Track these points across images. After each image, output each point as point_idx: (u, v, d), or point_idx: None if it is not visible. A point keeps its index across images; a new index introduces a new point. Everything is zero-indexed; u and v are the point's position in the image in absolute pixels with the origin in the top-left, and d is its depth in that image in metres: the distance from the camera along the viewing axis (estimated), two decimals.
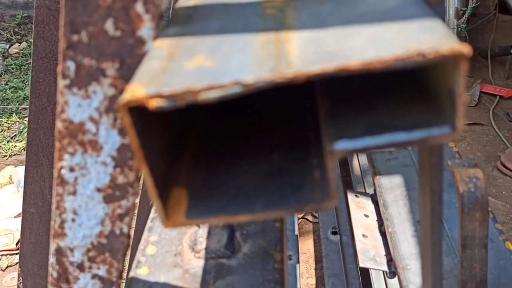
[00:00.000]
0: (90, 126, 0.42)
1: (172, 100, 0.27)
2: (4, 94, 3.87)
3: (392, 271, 0.89)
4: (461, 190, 0.65)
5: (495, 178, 3.05)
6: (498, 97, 3.55)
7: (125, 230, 0.48)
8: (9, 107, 3.76)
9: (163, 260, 0.62)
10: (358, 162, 1.94)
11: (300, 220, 2.55)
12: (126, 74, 0.39)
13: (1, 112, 3.69)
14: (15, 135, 3.47)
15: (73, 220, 0.48)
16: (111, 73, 0.39)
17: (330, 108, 0.33)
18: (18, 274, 1.51)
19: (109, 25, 0.38)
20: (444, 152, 0.66)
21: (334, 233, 2.13)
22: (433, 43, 0.26)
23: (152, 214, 0.70)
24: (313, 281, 2.41)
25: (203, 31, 0.35)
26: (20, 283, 1.50)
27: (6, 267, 2.58)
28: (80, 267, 0.51)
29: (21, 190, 2.86)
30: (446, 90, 0.28)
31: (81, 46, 0.38)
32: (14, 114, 3.64)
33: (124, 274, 0.61)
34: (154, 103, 0.27)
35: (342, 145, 0.29)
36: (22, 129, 3.48)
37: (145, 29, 0.37)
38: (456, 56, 0.25)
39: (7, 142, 3.39)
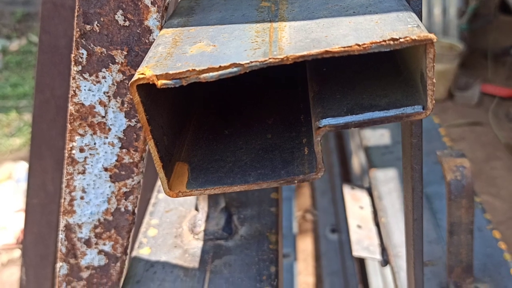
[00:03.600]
0: (99, 109, 0.45)
1: (177, 79, 0.31)
2: (3, 91, 3.89)
3: (385, 259, 0.92)
4: (448, 178, 0.69)
5: (494, 178, 3.07)
6: (498, 97, 3.58)
7: (130, 208, 0.52)
8: (8, 104, 3.79)
9: (164, 241, 0.66)
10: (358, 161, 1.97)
11: (299, 218, 2.58)
12: (133, 61, 0.43)
13: (1, 109, 3.72)
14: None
15: (81, 198, 0.51)
16: (120, 60, 0.43)
17: (318, 91, 0.37)
18: (21, 265, 1.54)
19: (119, 16, 0.41)
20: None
21: (333, 231, 2.15)
22: (405, 31, 0.30)
23: (153, 200, 0.74)
24: (311, 279, 2.43)
25: (204, 21, 0.38)
26: (22, 273, 1.54)
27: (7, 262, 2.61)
28: (87, 243, 0.54)
29: (21, 186, 2.89)
30: (419, 73, 0.32)
31: (93, 35, 0.42)
32: (13, 111, 3.67)
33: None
34: (162, 82, 0.31)
35: (327, 121, 0.33)
36: (22, 126, 3.51)
37: (152, 20, 0.41)
38: (424, 41, 0.29)
39: (7, 138, 3.43)
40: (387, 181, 1.05)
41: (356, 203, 1.09)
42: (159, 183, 0.76)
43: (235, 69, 0.30)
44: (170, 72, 0.31)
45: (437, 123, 1.19)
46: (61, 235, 0.54)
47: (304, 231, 2.56)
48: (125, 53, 0.43)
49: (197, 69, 0.30)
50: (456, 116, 3.50)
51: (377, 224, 1.01)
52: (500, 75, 3.75)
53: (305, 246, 2.48)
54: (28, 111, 3.75)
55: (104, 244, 0.54)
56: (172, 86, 0.31)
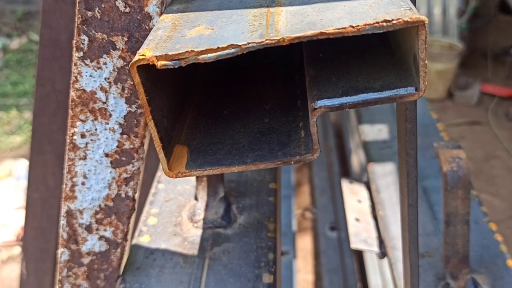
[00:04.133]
0: (100, 95, 0.46)
1: (176, 60, 0.32)
2: (4, 89, 3.90)
3: (382, 251, 0.93)
4: (444, 169, 0.70)
5: (493, 176, 3.08)
6: (497, 97, 3.59)
7: (130, 193, 0.53)
8: (9, 102, 3.80)
9: (164, 230, 0.67)
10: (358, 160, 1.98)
11: (298, 217, 2.59)
12: (134, 47, 0.44)
13: (1, 107, 3.73)
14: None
15: (82, 183, 0.52)
16: (121, 46, 0.44)
17: (314, 76, 0.38)
18: (21, 259, 1.55)
19: (120, 2, 0.42)
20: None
21: (332, 228, 2.15)
22: (398, 13, 0.30)
23: (153, 189, 0.75)
24: (310, 277, 2.44)
25: (203, 7, 0.39)
26: (23, 268, 1.55)
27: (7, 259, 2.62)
28: (88, 228, 0.55)
29: (21, 183, 2.91)
30: (412, 56, 0.33)
31: (94, 21, 0.43)
32: (13, 109, 3.68)
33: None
34: (161, 62, 0.31)
35: (322, 103, 0.33)
36: (23, 124, 3.52)
37: (152, 6, 0.42)
38: (416, 23, 0.30)
39: (7, 136, 3.43)
40: (385, 175, 1.06)
41: (354, 196, 1.10)
42: (159, 173, 0.77)
43: (232, 50, 0.31)
44: (170, 53, 0.31)
45: (435, 118, 1.20)
46: (63, 221, 0.55)
47: (303, 229, 2.57)
48: (126, 39, 0.44)
49: (196, 50, 0.31)
50: (455, 115, 3.51)
51: (375, 217, 1.02)
52: (499, 75, 3.76)
53: (305, 244, 2.49)
54: (28, 109, 3.76)
55: (105, 230, 0.55)
56: (172, 67, 0.32)
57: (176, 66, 0.32)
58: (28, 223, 1.47)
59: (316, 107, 0.33)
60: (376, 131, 1.19)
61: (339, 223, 2.14)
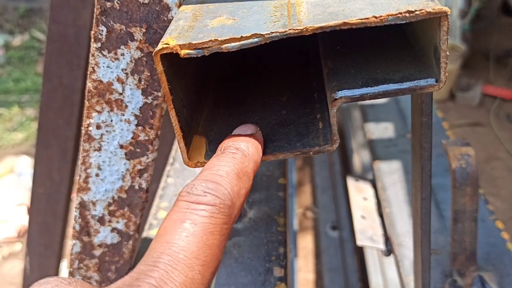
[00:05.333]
0: (117, 86, 0.46)
1: (200, 49, 0.32)
2: (6, 86, 3.91)
3: (388, 249, 0.93)
4: (453, 166, 0.70)
5: (494, 178, 3.08)
6: (499, 98, 3.60)
7: (144, 185, 0.53)
8: (11, 98, 3.80)
9: None
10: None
11: (300, 216, 2.59)
12: (151, 38, 0.44)
13: (3, 103, 3.73)
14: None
15: (97, 175, 0.52)
16: (138, 37, 0.44)
17: (332, 68, 0.38)
18: (25, 254, 1.56)
19: None
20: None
21: (333, 228, 2.15)
22: (420, 4, 0.31)
23: (162, 183, 0.75)
24: (311, 276, 2.44)
25: None
26: (26, 263, 1.55)
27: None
28: (101, 220, 0.55)
29: (22, 179, 2.91)
30: (432, 47, 0.33)
31: (113, 12, 0.43)
32: (15, 106, 3.68)
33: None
34: (185, 51, 0.32)
35: (342, 93, 0.34)
36: (24, 120, 3.52)
37: None
38: (438, 13, 0.30)
39: (9, 133, 3.44)
40: (391, 172, 1.06)
41: (360, 194, 1.10)
42: (168, 167, 0.78)
43: (256, 40, 0.32)
44: (193, 42, 0.32)
45: (441, 117, 1.20)
46: (75, 213, 0.55)
47: (304, 228, 2.57)
48: (144, 30, 0.44)
49: (219, 39, 0.32)
50: (457, 116, 3.52)
51: (380, 215, 1.02)
52: (501, 77, 3.77)
53: (306, 243, 2.49)
54: (30, 106, 3.77)
55: (117, 222, 0.55)
56: (195, 55, 0.32)
57: (199, 55, 0.32)
58: (32, 218, 1.47)
59: (336, 97, 0.34)
60: (382, 129, 1.19)
61: (340, 223, 2.14)
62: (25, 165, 3.05)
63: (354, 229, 0.99)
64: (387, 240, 0.94)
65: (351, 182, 1.14)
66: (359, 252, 1.81)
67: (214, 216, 0.29)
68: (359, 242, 0.96)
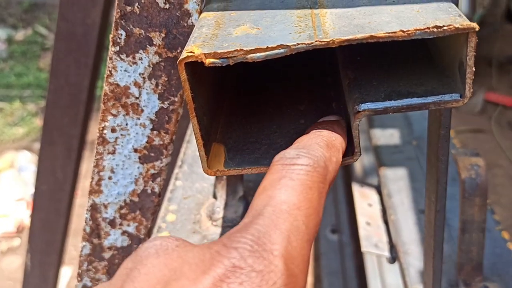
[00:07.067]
0: (133, 90, 0.46)
1: (225, 59, 0.32)
2: (7, 80, 3.90)
3: (393, 256, 0.93)
4: (463, 176, 0.70)
5: (494, 185, 3.08)
6: (501, 105, 3.60)
7: (157, 189, 0.53)
8: (12, 93, 3.79)
9: (183, 227, 0.67)
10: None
11: None
12: (170, 43, 0.44)
13: (4, 98, 3.72)
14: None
15: (109, 178, 0.52)
16: (157, 42, 0.44)
17: (354, 79, 0.38)
18: (26, 250, 1.55)
19: None
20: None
21: (333, 231, 2.15)
22: (448, 19, 0.31)
23: (171, 186, 0.75)
24: (309, 279, 2.44)
25: (244, 6, 0.39)
26: (27, 259, 1.55)
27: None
28: (112, 223, 0.55)
29: (23, 175, 2.91)
30: (457, 62, 0.33)
31: (133, 17, 0.43)
32: (17, 100, 3.68)
33: None
34: (210, 60, 0.32)
35: (366, 106, 0.34)
36: (26, 115, 3.52)
37: (192, 3, 0.42)
38: (467, 29, 0.30)
39: (10, 127, 3.43)
40: (397, 179, 1.06)
41: (365, 200, 1.10)
42: (176, 170, 0.78)
43: (281, 50, 0.31)
44: (219, 51, 0.32)
45: None
46: (86, 215, 0.55)
47: None
48: (163, 35, 0.44)
49: (245, 49, 0.31)
50: (459, 123, 3.52)
51: (385, 221, 1.02)
52: (504, 84, 3.77)
53: None
54: (31, 101, 3.76)
55: (128, 225, 0.55)
56: (219, 65, 0.32)
57: (224, 64, 0.32)
58: (34, 214, 1.47)
59: (360, 110, 0.34)
60: (388, 136, 1.19)
61: (340, 226, 2.13)
62: (25, 160, 3.05)
63: (359, 235, 0.99)
64: (392, 247, 0.94)
65: (356, 188, 1.14)
66: (359, 256, 1.81)
67: (310, 174, 0.30)
68: (364, 249, 0.96)
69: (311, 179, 0.30)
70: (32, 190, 2.03)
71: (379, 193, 1.09)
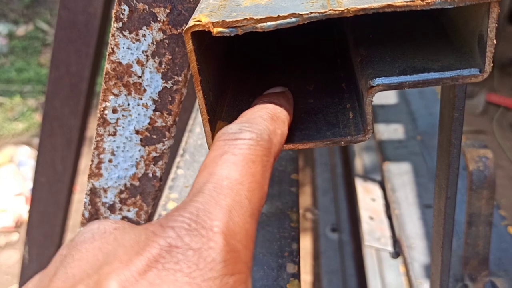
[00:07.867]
0: (136, 68, 0.45)
1: (233, 28, 0.30)
2: (8, 75, 3.88)
3: (396, 251, 0.92)
4: (470, 168, 0.68)
5: (496, 186, 3.06)
6: (502, 107, 3.59)
7: (158, 173, 0.51)
8: (13, 88, 3.78)
9: None
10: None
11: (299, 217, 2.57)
12: (175, 20, 0.42)
13: (5, 93, 3.71)
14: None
15: (110, 160, 0.51)
16: (162, 18, 0.42)
17: (366, 55, 0.36)
18: (24, 243, 1.54)
19: None
20: None
21: (333, 230, 2.14)
22: None
23: (172, 175, 0.74)
24: (309, 277, 2.43)
25: None
26: (25, 252, 1.53)
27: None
28: (111, 208, 0.54)
29: (22, 169, 2.89)
30: (476, 36, 0.31)
31: None
32: (17, 95, 3.66)
33: None
34: (218, 29, 0.30)
35: (380, 81, 0.32)
36: (26, 110, 3.50)
37: None
38: None
39: (10, 122, 3.42)
40: (401, 174, 1.05)
41: (368, 195, 1.09)
42: (178, 159, 0.76)
43: (293, 19, 0.30)
44: (227, 20, 0.30)
45: None
46: (85, 199, 0.54)
47: (303, 230, 2.56)
48: (168, 11, 0.42)
49: (255, 17, 0.30)
50: None
51: (388, 216, 1.01)
52: (506, 85, 3.76)
53: (304, 244, 2.48)
54: (32, 97, 3.74)
55: (128, 211, 0.54)
56: (228, 34, 0.30)
57: (233, 34, 0.30)
58: (33, 207, 1.45)
59: (373, 84, 0.32)
60: (392, 131, 1.18)
61: (340, 225, 2.12)
62: (25, 155, 3.03)
63: (362, 230, 0.97)
64: (396, 242, 0.93)
65: (359, 182, 1.12)
66: (358, 255, 1.79)
67: (253, 148, 0.29)
68: (367, 243, 0.94)
69: (254, 153, 0.29)
70: (31, 185, 2.02)
71: (383, 188, 1.07)
